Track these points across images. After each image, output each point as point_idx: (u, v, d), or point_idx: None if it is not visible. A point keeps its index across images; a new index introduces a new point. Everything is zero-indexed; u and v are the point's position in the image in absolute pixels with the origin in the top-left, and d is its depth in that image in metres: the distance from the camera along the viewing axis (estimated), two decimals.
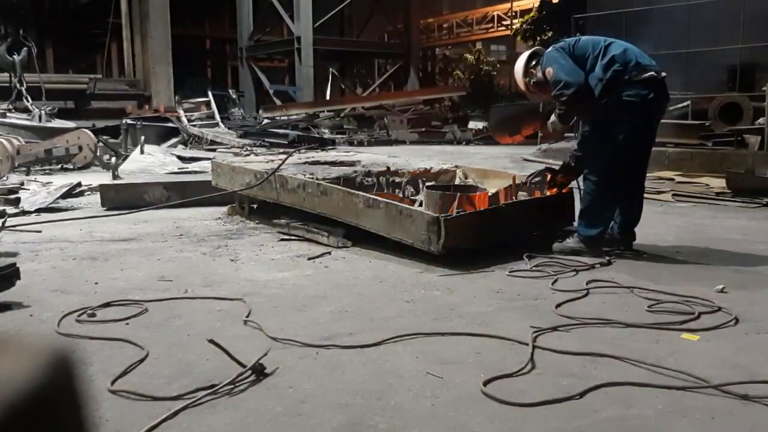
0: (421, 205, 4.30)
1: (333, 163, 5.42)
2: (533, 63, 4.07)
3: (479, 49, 26.33)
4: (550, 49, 3.98)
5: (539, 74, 3.97)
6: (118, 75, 23.90)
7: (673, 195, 6.41)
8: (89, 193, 6.64)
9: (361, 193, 4.15)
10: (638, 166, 3.92)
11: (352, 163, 5.42)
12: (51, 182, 6.97)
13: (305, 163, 5.49)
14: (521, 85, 4.19)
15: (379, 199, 3.96)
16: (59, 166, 9.10)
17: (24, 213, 5.45)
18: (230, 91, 20.49)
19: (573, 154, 4.07)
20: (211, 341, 2.21)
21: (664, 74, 3.76)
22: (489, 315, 2.78)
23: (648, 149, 3.95)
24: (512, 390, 2.02)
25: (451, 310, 2.83)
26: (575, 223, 3.96)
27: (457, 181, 5.22)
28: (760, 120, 8.61)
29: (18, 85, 11.65)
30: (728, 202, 6.09)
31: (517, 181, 4.51)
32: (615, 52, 3.74)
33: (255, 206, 5.17)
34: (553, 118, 4.03)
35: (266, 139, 13.35)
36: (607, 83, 3.70)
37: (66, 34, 26.02)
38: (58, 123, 11.59)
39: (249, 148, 11.92)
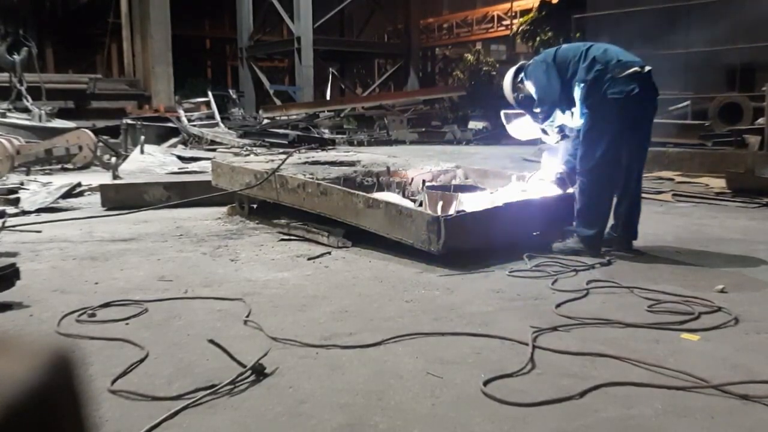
0: (421, 205, 4.30)
1: (333, 163, 5.43)
2: (520, 78, 4.17)
3: (478, 49, 26.29)
4: (531, 61, 4.13)
5: (526, 89, 4.14)
6: (118, 75, 23.86)
7: (673, 195, 6.41)
8: (89, 193, 6.64)
9: (361, 192, 4.15)
10: (632, 163, 3.90)
11: (352, 163, 5.42)
12: (51, 182, 6.97)
13: (305, 163, 5.49)
14: (510, 100, 4.32)
15: (379, 199, 3.96)
16: (59, 166, 9.10)
17: (24, 213, 5.45)
18: (230, 91, 20.48)
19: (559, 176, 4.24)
20: (211, 341, 2.20)
21: (648, 68, 3.77)
22: (489, 315, 2.78)
23: (642, 146, 3.94)
24: (512, 390, 2.02)
25: (451, 310, 2.83)
26: (574, 224, 3.97)
27: (457, 181, 5.22)
28: (760, 120, 8.61)
29: (18, 85, 11.66)
30: (728, 202, 6.09)
31: (519, 181, 4.53)
32: (595, 54, 3.79)
33: (255, 206, 5.17)
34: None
35: (266, 139, 13.34)
36: (591, 83, 3.74)
37: (66, 34, 26.01)
38: (58, 123, 11.60)
39: (249, 148, 11.92)
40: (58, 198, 6.04)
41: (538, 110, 4.06)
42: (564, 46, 4.08)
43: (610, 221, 3.97)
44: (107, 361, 2.25)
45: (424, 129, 17.28)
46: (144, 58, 19.53)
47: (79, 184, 6.69)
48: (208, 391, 1.98)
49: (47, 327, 2.63)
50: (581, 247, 3.86)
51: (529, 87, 4.07)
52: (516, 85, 4.23)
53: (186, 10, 22.71)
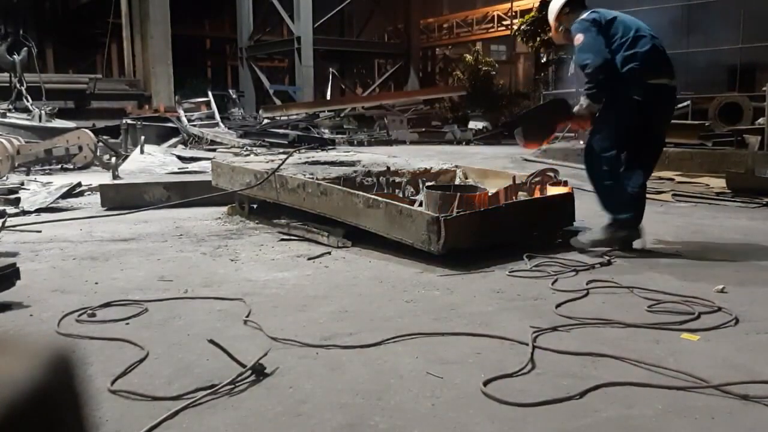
0: (421, 205, 4.30)
1: (333, 163, 5.42)
2: (567, 10, 4.07)
3: (477, 49, 26.29)
4: (585, 15, 3.92)
5: (568, 26, 4.02)
6: (118, 75, 23.89)
7: (673, 195, 6.41)
8: (89, 193, 6.64)
9: (361, 193, 4.15)
10: (641, 166, 3.93)
11: (352, 163, 5.41)
12: (51, 182, 6.97)
13: (305, 163, 5.49)
14: (552, 26, 4.23)
15: (379, 199, 3.96)
16: (59, 166, 9.11)
17: (24, 213, 5.45)
18: (230, 91, 20.50)
19: (585, 92, 4.00)
20: (211, 341, 2.20)
21: (674, 84, 3.87)
22: (489, 315, 2.78)
23: (650, 150, 3.96)
24: (512, 390, 2.02)
25: (451, 310, 2.83)
26: (606, 215, 3.95)
27: (457, 181, 5.22)
28: (760, 120, 8.62)
29: (18, 85, 11.67)
30: (728, 202, 6.09)
31: (518, 181, 4.51)
32: (640, 49, 3.75)
33: (255, 206, 5.17)
34: (582, 101, 4.02)
35: (266, 139, 13.34)
36: (621, 76, 3.75)
37: (66, 34, 26.01)
38: (58, 123, 11.61)
39: (249, 148, 11.92)
40: (58, 198, 6.04)
41: (584, 65, 3.87)
42: (619, 18, 3.88)
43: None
44: (107, 361, 2.25)
45: (424, 129, 17.27)
46: (144, 58, 19.54)
47: (79, 184, 6.69)
48: (208, 391, 1.98)
49: (47, 327, 2.62)
50: (612, 232, 3.85)
51: (576, 39, 3.90)
52: (561, 16, 4.11)
53: (186, 10, 22.72)
